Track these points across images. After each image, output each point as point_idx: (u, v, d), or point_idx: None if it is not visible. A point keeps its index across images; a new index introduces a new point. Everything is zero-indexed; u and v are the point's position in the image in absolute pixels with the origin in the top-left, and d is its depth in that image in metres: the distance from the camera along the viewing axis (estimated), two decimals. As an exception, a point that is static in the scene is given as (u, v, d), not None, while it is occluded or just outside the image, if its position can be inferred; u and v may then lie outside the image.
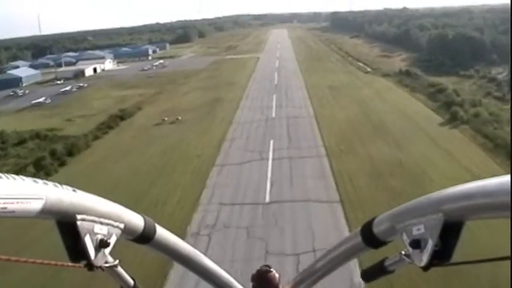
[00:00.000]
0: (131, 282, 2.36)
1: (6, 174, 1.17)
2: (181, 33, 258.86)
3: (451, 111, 53.80)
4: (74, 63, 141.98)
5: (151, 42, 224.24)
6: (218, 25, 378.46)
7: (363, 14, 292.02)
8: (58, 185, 1.40)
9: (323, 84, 78.49)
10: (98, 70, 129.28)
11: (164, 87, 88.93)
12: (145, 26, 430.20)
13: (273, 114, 59.09)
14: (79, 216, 1.49)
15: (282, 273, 2.85)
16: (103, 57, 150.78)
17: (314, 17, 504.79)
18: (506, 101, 63.70)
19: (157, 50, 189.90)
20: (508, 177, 1.18)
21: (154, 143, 48.81)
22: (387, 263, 2.06)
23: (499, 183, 1.20)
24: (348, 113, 57.11)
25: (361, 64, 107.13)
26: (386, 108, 58.73)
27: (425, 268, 1.52)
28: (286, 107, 63.44)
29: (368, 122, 52.03)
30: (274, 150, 44.10)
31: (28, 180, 1.25)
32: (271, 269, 2.77)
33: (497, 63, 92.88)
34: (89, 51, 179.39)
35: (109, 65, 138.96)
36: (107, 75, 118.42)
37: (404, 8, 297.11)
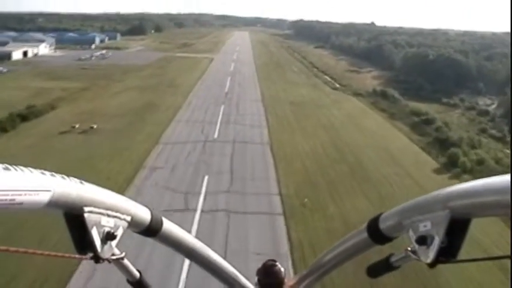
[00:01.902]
0: (137, 274, 2.39)
1: (14, 166, 1.19)
2: (136, 25, 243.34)
3: (448, 153, 42.54)
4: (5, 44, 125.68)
5: (102, 31, 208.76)
6: (178, 21, 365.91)
7: (329, 25, 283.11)
8: (66, 177, 1.42)
9: (284, 99, 66.04)
10: (30, 54, 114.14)
11: (94, 83, 74.87)
12: (104, 14, 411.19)
13: (216, 135, 45.55)
14: (86, 209, 1.50)
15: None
16: (43, 41, 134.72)
17: (278, 23, 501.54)
18: (506, 142, 53.69)
19: (106, 39, 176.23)
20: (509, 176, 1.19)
21: (46, 161, 33.90)
22: (393, 259, 2.01)
23: (507, 181, 1.20)
24: (315, 142, 44.37)
25: (328, 78, 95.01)
26: (362, 140, 46.37)
27: (431, 265, 1.51)
28: (235, 124, 50.02)
29: (341, 161, 38.97)
30: (206, 196, 30.48)
31: (36, 172, 1.27)
32: (277, 263, 2.83)
33: (483, 92, 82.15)
34: (30, 33, 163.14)
35: (44, 49, 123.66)
36: (37, 61, 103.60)
37: (372, 24, 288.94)
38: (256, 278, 2.81)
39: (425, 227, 1.54)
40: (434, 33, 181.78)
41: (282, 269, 2.82)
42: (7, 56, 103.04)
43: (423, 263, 1.52)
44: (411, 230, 1.63)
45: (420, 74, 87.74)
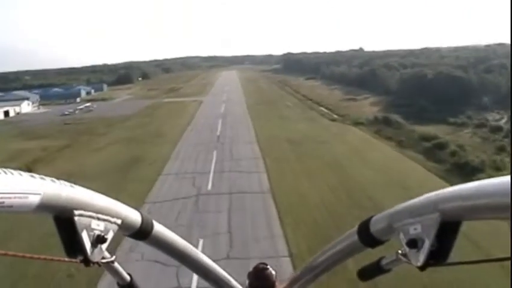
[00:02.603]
0: (128, 278, 2.36)
1: (3, 169, 1.20)
2: (123, 74, 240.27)
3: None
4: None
5: (89, 83, 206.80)
6: (165, 66, 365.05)
7: (317, 55, 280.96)
8: (55, 180, 1.42)
9: (280, 137, 60.85)
10: (12, 113, 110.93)
11: (77, 139, 70.13)
12: (91, 66, 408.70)
13: (209, 187, 40.17)
14: (76, 212, 1.49)
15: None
16: (27, 98, 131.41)
17: (266, 58, 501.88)
18: (529, 158, 47.89)
19: (92, 91, 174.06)
20: (507, 178, 1.18)
21: (9, 239, 28.69)
22: (383, 262, 2.02)
23: (498, 184, 1.20)
24: (322, 186, 39.03)
25: (324, 109, 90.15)
26: (375, 177, 40.94)
27: (422, 268, 1.52)
28: (230, 172, 44.68)
29: (355, 206, 33.05)
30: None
31: (25, 175, 1.27)
32: (268, 267, 2.77)
33: (489, 107, 77.55)
34: (14, 92, 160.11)
35: (26, 107, 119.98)
36: (19, 121, 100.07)
37: (361, 49, 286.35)
38: (247, 282, 2.69)
39: (415, 230, 1.53)
40: (426, 52, 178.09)
41: (273, 272, 2.73)
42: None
43: (413, 266, 1.52)
44: (401, 233, 1.61)
45: (420, 94, 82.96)
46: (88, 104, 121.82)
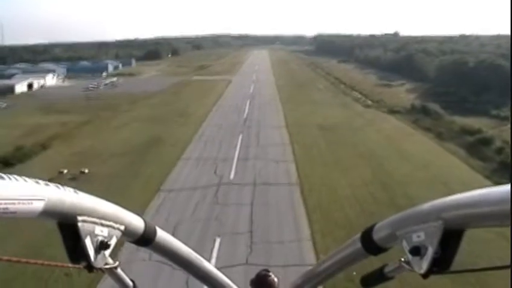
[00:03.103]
0: (131, 284, 2.36)
1: (8, 175, 1.20)
2: (152, 50, 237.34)
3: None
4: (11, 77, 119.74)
5: (117, 58, 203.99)
6: (196, 43, 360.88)
7: (350, 38, 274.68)
8: (60, 186, 1.42)
9: (311, 122, 57.16)
10: (36, 86, 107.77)
11: (98, 115, 67.21)
12: (122, 40, 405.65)
13: (232, 175, 36.92)
14: (79, 218, 1.51)
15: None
16: (53, 71, 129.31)
17: (297, 39, 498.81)
18: None
19: (120, 66, 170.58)
20: (509, 186, 1.20)
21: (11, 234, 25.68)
22: (386, 269, 2.02)
23: (500, 192, 1.22)
24: (355, 179, 35.48)
25: (357, 94, 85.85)
26: (412, 171, 37.44)
27: (425, 276, 1.53)
28: (256, 159, 41.29)
29: (392, 205, 29.41)
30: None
31: (30, 181, 1.28)
32: (270, 273, 2.88)
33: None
34: (41, 64, 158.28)
35: (51, 80, 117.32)
36: (42, 94, 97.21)
37: (396, 34, 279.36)
38: None
39: (418, 237, 1.54)
40: (465, 39, 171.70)
41: (276, 279, 2.83)
42: (10, 90, 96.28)
43: (416, 273, 1.53)
44: (404, 240, 1.62)
45: (461, 83, 78.22)
46: (113, 79, 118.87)
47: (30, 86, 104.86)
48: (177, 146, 46.12)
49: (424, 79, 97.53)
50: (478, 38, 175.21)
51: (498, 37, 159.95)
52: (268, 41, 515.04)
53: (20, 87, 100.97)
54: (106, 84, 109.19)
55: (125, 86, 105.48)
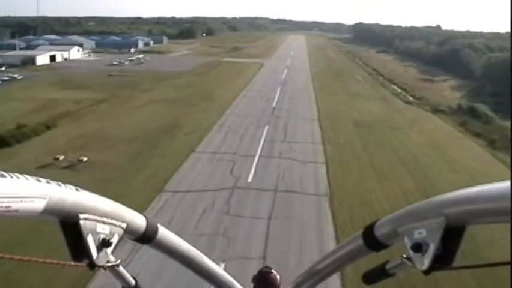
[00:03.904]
0: (133, 281, 2.34)
1: (10, 173, 1.19)
2: (186, 28, 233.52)
3: None
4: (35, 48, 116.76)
5: (150, 34, 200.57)
6: (232, 24, 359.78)
7: (391, 28, 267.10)
8: (61, 184, 1.42)
9: (346, 117, 51.98)
10: (59, 59, 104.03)
11: (116, 93, 62.64)
12: (157, 18, 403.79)
13: (250, 177, 31.48)
14: (81, 216, 1.50)
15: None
16: (80, 44, 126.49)
17: (336, 27, 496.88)
18: None
19: (151, 43, 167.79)
20: (508, 182, 1.19)
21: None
22: (388, 266, 1.99)
23: (502, 188, 1.21)
24: (395, 192, 29.87)
25: (397, 88, 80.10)
26: (461, 184, 29.37)
27: (427, 272, 1.50)
28: (280, 158, 36.03)
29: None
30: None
31: (32, 180, 1.27)
32: (272, 270, 2.83)
33: None
34: (71, 37, 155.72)
35: (75, 54, 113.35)
36: (63, 67, 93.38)
37: (438, 27, 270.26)
38: (252, 285, 2.75)
39: (420, 234, 1.52)
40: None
41: (278, 276, 2.79)
42: (31, 61, 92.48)
43: (418, 270, 1.51)
44: (406, 237, 1.61)
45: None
46: (140, 56, 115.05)
47: (53, 58, 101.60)
48: (194, 135, 41.18)
49: (470, 76, 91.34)
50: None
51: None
52: (306, 27, 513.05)
53: (42, 59, 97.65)
54: (131, 61, 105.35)
55: (151, 64, 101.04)
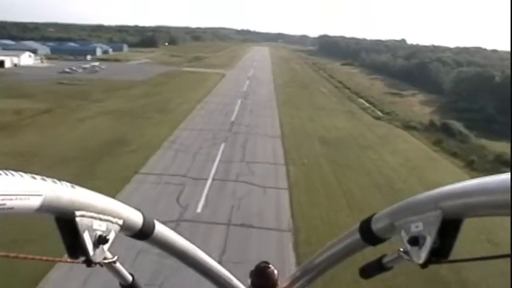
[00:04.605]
0: (130, 278, 2.36)
1: (5, 171, 1.19)
2: (148, 37, 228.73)
3: None
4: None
5: (110, 42, 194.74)
6: (196, 34, 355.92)
7: (356, 41, 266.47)
8: (57, 181, 1.41)
9: (312, 133, 47.87)
10: (8, 65, 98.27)
11: (63, 103, 57.11)
12: (120, 26, 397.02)
13: (199, 207, 26.42)
14: (77, 213, 1.49)
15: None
16: (34, 50, 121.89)
17: (301, 39, 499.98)
18: None
19: (110, 50, 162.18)
20: (508, 175, 1.20)
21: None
22: (385, 260, 2.01)
23: (499, 181, 1.22)
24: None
25: (364, 102, 76.23)
26: None
27: (424, 265, 1.51)
28: (236, 181, 31.24)
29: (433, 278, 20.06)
30: None
31: (27, 177, 1.27)
32: (270, 265, 2.83)
33: None
34: (26, 42, 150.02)
35: (26, 59, 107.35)
36: (11, 73, 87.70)
37: (403, 41, 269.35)
38: (249, 281, 2.75)
39: (416, 227, 1.52)
40: (482, 52, 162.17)
41: (276, 271, 2.79)
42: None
43: (415, 263, 1.51)
44: (403, 230, 1.61)
45: (485, 100, 68.42)
46: (95, 64, 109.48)
47: (1, 63, 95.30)
48: (140, 152, 36.21)
49: (439, 91, 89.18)
50: (496, 51, 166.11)
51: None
52: (271, 38, 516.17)
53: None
54: (85, 68, 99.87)
55: (106, 72, 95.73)
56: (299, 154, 38.90)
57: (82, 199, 1.45)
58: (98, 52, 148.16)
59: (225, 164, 34.61)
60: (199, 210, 25.67)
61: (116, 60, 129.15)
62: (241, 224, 24.15)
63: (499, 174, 1.20)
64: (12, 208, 1.16)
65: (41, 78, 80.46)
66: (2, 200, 1.13)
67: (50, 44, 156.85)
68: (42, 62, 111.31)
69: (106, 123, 46.60)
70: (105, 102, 58.92)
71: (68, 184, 1.40)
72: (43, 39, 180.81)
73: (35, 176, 1.25)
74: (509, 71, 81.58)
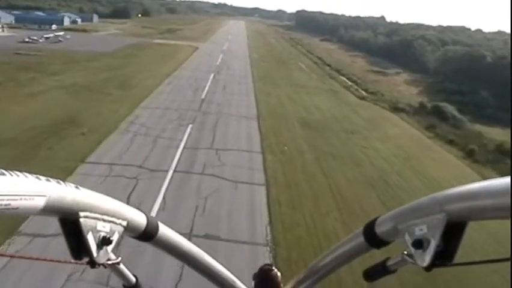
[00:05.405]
0: (134, 279, 2.43)
1: (9, 171, 1.21)
2: (121, 7, 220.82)
3: None
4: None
5: (80, 12, 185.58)
6: (171, 7, 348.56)
7: (334, 17, 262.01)
8: (61, 182, 1.43)
9: (291, 114, 43.05)
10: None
11: (16, 76, 50.86)
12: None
13: (155, 210, 20.96)
14: (81, 214, 1.51)
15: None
16: None
17: (277, 14, 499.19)
18: None
19: (79, 21, 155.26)
20: (508, 178, 1.21)
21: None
22: (389, 263, 2.01)
23: (503, 184, 1.22)
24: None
25: (346, 80, 71.51)
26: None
27: (428, 268, 1.52)
28: (202, 174, 26.01)
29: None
30: None
31: (31, 177, 1.28)
32: (273, 268, 2.82)
33: None
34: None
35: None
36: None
37: (382, 18, 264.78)
38: (252, 283, 2.72)
39: (421, 230, 1.53)
40: (466, 31, 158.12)
41: (279, 274, 2.77)
42: None
43: (419, 266, 1.51)
44: (407, 233, 1.61)
45: (475, 81, 64.01)
46: (60, 33, 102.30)
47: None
48: (91, 136, 30.79)
49: (425, 70, 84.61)
50: (480, 31, 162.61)
51: (500, 33, 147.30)
52: (247, 13, 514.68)
53: None
54: (47, 38, 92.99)
55: (70, 42, 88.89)
56: (278, 139, 33.88)
57: (86, 200, 1.47)
58: (66, 22, 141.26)
59: (191, 151, 29.30)
60: (154, 213, 20.30)
61: (84, 30, 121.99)
62: (204, 235, 18.87)
63: (504, 177, 1.19)
64: (17, 208, 1.18)
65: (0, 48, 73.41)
66: (8, 200, 1.14)
67: (16, 12, 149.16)
68: (2, 30, 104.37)
69: (59, 99, 40.94)
70: (62, 75, 52.96)
71: (73, 185, 1.42)
72: (10, 7, 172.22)
73: (40, 177, 1.27)
74: (502, 51, 77.55)
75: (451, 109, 51.53)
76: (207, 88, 51.09)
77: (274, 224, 20.70)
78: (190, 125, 35.07)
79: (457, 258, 1.41)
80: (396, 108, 51.53)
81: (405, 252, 1.64)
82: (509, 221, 1.18)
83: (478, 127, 46.96)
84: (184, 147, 29.79)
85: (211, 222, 20.07)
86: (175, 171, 25.65)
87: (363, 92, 61.01)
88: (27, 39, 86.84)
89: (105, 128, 32.61)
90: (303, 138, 35.04)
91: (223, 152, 29.74)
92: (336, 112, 45.69)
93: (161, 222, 2.03)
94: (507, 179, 1.17)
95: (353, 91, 61.55)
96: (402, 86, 72.16)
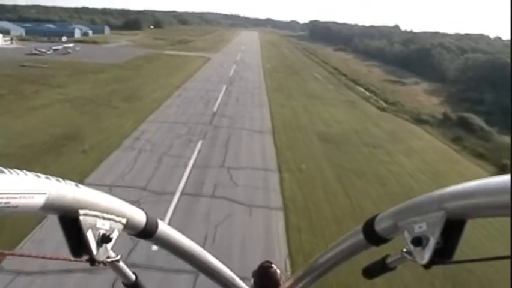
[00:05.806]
0: (133, 277, 2.32)
1: (9, 169, 1.17)
2: (133, 20, 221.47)
3: None
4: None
5: (92, 24, 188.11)
6: (183, 18, 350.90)
7: (348, 26, 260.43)
8: (61, 180, 1.38)
9: (308, 128, 40.55)
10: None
11: (18, 89, 49.35)
12: (104, 8, 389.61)
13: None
14: (81, 212, 1.47)
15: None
16: (7, 31, 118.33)
17: (290, 24, 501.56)
18: None
19: (90, 33, 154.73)
20: (508, 176, 1.19)
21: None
22: (388, 260, 1.92)
23: (502, 181, 1.19)
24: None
25: (365, 91, 68.99)
26: (493, 246, 20.05)
27: (427, 266, 1.48)
28: (212, 198, 23.49)
29: None
30: None
31: (31, 175, 1.24)
32: (273, 265, 2.76)
33: None
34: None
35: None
36: (-29, 55, 79.14)
37: (397, 27, 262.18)
38: (252, 280, 2.66)
39: (420, 228, 1.47)
40: (485, 39, 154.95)
41: (278, 271, 2.70)
42: None
43: (418, 264, 1.46)
44: (406, 231, 1.55)
45: (500, 91, 61.16)
46: (69, 45, 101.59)
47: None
48: (93, 153, 28.65)
49: (444, 79, 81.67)
50: (499, 38, 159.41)
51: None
52: (260, 24, 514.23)
53: None
54: (56, 50, 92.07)
55: (79, 54, 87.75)
56: (295, 156, 31.33)
57: (86, 198, 1.43)
58: (77, 34, 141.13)
59: (200, 170, 26.83)
60: (155, 247, 17.66)
61: (94, 42, 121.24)
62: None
63: (504, 175, 1.17)
64: (16, 206, 1.15)
65: (6, 59, 72.57)
66: (7, 198, 1.12)
67: (27, 25, 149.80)
68: (12, 43, 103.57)
69: (62, 113, 39.23)
70: (67, 87, 51.41)
71: (72, 183, 1.38)
72: (20, 20, 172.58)
73: (39, 175, 1.23)
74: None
75: (477, 120, 48.84)
76: (219, 100, 48.99)
77: (294, 257, 18.10)
78: (200, 141, 32.69)
79: (456, 256, 1.39)
80: (419, 120, 48.96)
81: (405, 250, 1.58)
82: (509, 218, 1.16)
83: (507, 139, 44.25)
84: (193, 166, 27.33)
85: (222, 257, 17.29)
86: (182, 193, 23.16)
87: (383, 103, 58.57)
88: (34, 51, 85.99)
89: (108, 144, 30.52)
90: (322, 154, 32.54)
91: (236, 171, 27.21)
92: (355, 124, 43.21)
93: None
94: (507, 177, 1.15)
95: (372, 102, 59.19)
96: (422, 95, 69.59)
